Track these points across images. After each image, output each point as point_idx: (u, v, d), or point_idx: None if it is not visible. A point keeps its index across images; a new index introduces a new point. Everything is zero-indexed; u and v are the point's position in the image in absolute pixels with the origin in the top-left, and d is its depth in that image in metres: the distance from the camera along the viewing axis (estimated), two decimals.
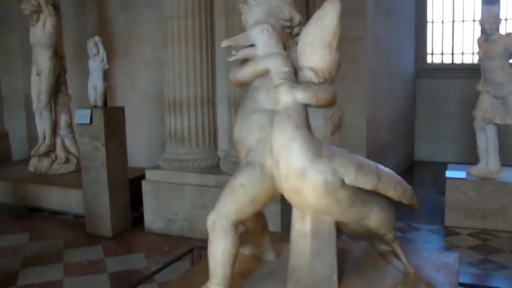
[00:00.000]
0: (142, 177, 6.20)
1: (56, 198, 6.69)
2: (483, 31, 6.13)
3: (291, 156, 2.28)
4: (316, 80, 2.35)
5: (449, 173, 6.26)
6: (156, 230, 5.99)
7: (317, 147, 2.29)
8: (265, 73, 2.47)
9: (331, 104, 2.41)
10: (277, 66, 2.39)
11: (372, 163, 2.41)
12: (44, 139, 7.29)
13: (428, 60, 9.47)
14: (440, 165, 8.78)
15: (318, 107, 2.37)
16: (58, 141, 7.34)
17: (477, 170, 6.18)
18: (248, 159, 2.55)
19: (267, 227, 3.01)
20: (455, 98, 9.00)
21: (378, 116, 7.54)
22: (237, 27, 5.51)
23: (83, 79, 7.50)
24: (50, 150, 7.28)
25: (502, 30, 6.18)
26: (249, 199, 2.48)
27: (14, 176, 7.28)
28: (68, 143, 7.39)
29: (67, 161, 7.29)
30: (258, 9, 2.60)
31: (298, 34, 2.56)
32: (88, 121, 5.81)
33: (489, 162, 6.14)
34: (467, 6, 9.24)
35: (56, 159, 7.26)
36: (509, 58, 6.03)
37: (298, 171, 2.27)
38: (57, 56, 7.20)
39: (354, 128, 6.63)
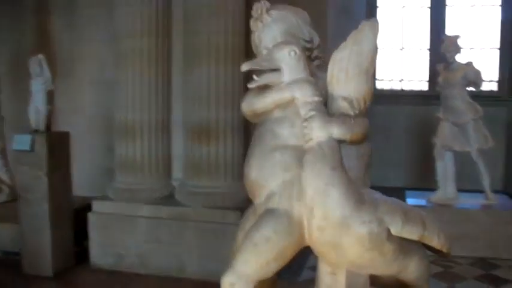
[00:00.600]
0: (86, 207, 5.61)
1: None
2: (444, 59, 6.06)
3: (329, 204, 1.90)
4: (351, 112, 1.96)
5: (410, 201, 6.02)
6: (104, 266, 5.37)
7: (358, 192, 1.88)
8: (290, 103, 2.03)
9: (364, 139, 2.00)
10: (305, 95, 1.98)
11: (414, 208, 2.03)
12: None
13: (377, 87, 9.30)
14: (387, 190, 8.63)
15: (351, 143, 1.95)
16: None
17: (437, 197, 6.06)
18: (269, 205, 2.10)
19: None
20: (403, 125, 8.87)
21: None
22: (197, 47, 5.13)
23: (18, 100, 6.85)
24: None
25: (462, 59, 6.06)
26: (274, 255, 2.07)
27: None
28: (0, 170, 6.63)
29: None
30: (275, 27, 2.19)
31: (316, 58, 2.14)
32: (28, 147, 5.16)
33: (447, 189, 6.04)
34: (415, 33, 9.16)
35: None
36: (467, 86, 5.97)
37: (338, 221, 1.90)
38: None
39: None
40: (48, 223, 5.21)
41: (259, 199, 2.19)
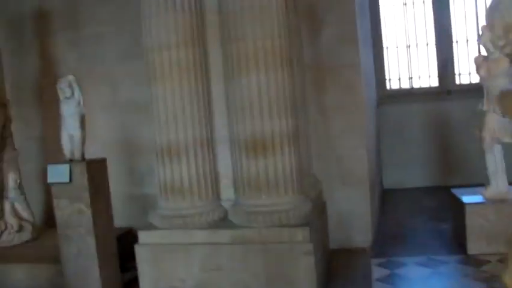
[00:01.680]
0: (121, 238, 5.06)
1: (19, 278, 5.21)
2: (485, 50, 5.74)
3: None
4: None
5: (466, 198, 5.64)
6: None
7: None
8: None
9: None
10: None
11: None
12: None
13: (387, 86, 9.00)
14: (411, 192, 8.32)
15: None
16: (6, 206, 5.89)
17: (489, 192, 5.66)
18: None
19: None
20: (416, 123, 8.56)
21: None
22: (235, 55, 4.66)
23: (25, 129, 6.20)
24: None
25: None
26: None
27: None
28: (19, 207, 5.95)
29: (20, 229, 5.84)
30: None
31: None
32: (67, 179, 4.56)
33: (499, 183, 5.67)
34: (420, 30, 8.89)
35: (5, 228, 5.79)
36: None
37: None
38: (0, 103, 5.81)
39: (355, 159, 5.85)
40: (95, 260, 4.64)
41: None
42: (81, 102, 4.74)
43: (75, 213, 4.62)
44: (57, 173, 4.59)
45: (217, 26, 4.91)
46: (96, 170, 4.73)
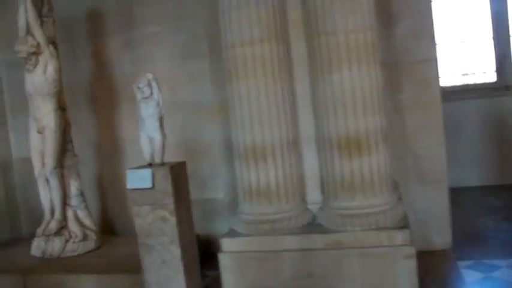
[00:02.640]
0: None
1: None
2: None
3: None
4: None
5: None
6: None
7: None
8: None
9: None
10: None
11: None
12: (52, 213, 5.49)
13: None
14: (471, 190, 7.97)
15: None
16: (69, 213, 5.57)
17: None
18: None
19: None
20: (473, 120, 8.21)
21: None
22: (324, 50, 4.36)
23: (78, 134, 5.91)
24: (62, 227, 5.48)
25: None
26: None
27: (18, 265, 5.36)
28: (81, 214, 5.64)
29: (84, 237, 5.52)
30: None
31: None
32: (149, 184, 4.24)
33: None
34: (475, 25, 8.53)
35: (70, 237, 5.46)
36: None
37: None
38: (60, 107, 5.50)
39: (432, 158, 5.52)
40: (180, 270, 4.32)
41: None
42: (161, 102, 4.41)
43: (157, 221, 4.29)
44: (138, 178, 4.27)
45: (299, 21, 4.62)
46: (178, 174, 4.41)
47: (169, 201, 4.25)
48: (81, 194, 5.64)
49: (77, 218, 5.59)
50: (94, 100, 6.44)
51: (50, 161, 5.36)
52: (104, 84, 6.35)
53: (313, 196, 4.71)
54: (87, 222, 5.63)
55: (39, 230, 5.46)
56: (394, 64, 5.43)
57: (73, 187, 5.58)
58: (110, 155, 6.41)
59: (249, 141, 4.50)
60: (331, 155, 4.43)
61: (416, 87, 5.45)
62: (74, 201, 5.59)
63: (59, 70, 5.41)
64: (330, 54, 4.33)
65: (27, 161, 6.39)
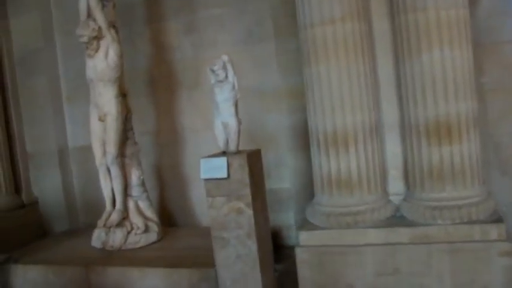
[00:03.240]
0: None
1: (155, 284, 4.60)
2: None
3: None
4: None
5: None
6: None
7: None
8: None
9: None
10: None
11: None
12: (113, 204, 5.26)
13: None
14: None
15: None
16: (131, 204, 5.33)
17: None
18: None
19: None
20: None
21: None
22: (412, 29, 3.98)
23: (137, 122, 5.63)
24: (123, 218, 5.25)
25: None
26: None
27: (80, 256, 5.15)
28: (143, 205, 5.40)
29: (146, 229, 5.27)
30: None
31: None
32: (225, 174, 3.95)
33: None
34: None
35: (131, 228, 5.22)
36: None
37: None
38: (121, 93, 5.24)
39: None
40: (257, 265, 4.03)
41: None
42: (236, 85, 4.10)
43: (233, 213, 4.01)
44: (213, 168, 3.98)
45: None
46: (254, 162, 4.11)
47: (246, 192, 3.95)
48: (143, 183, 5.39)
49: (138, 209, 5.34)
50: (152, 87, 6.17)
51: (111, 149, 5.12)
52: (163, 70, 6.07)
53: (396, 187, 4.35)
54: (149, 213, 5.39)
55: (101, 221, 5.22)
56: (476, 45, 5.00)
57: (134, 176, 5.33)
58: (169, 143, 6.15)
59: (329, 127, 4.16)
60: (418, 142, 4.06)
61: (500, 71, 5.02)
62: (135, 191, 5.35)
63: (121, 55, 5.14)
64: (419, 33, 3.95)
65: (84, 150, 6.25)
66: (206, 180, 4.05)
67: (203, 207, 6.00)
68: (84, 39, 4.94)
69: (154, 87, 6.16)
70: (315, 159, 4.34)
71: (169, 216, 6.13)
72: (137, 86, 6.09)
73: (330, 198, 4.23)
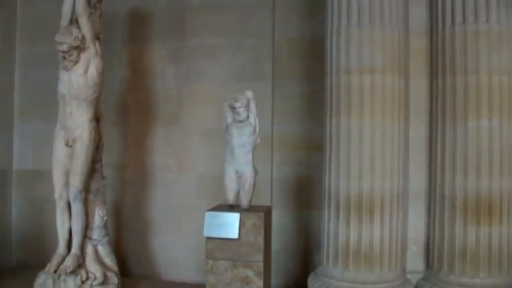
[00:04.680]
0: None
1: None
2: None
3: None
4: None
5: None
6: None
7: None
8: None
9: None
10: None
11: None
12: (68, 246, 4.21)
13: None
14: None
15: None
16: (89, 249, 4.28)
17: None
18: None
19: None
20: None
21: None
22: (459, 92, 3.44)
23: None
24: (79, 264, 4.19)
25: None
26: None
27: None
28: (102, 251, 4.37)
29: (105, 280, 4.24)
30: None
31: None
32: (236, 234, 3.12)
33: None
34: None
35: (87, 278, 4.16)
36: None
37: None
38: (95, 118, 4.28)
39: None
40: None
41: None
42: (257, 129, 3.31)
43: (237, 282, 3.17)
44: (221, 225, 3.16)
45: (422, 52, 3.69)
46: (268, 224, 3.32)
47: (258, 258, 3.16)
48: (105, 225, 4.38)
49: (97, 255, 4.30)
50: (124, 115, 5.23)
51: (76, 182, 4.10)
52: (138, 98, 5.18)
53: (414, 264, 3.71)
54: (108, 260, 4.36)
55: (50, 265, 4.12)
56: None
57: (98, 216, 4.32)
58: (134, 181, 5.19)
59: (353, 190, 3.47)
60: (450, 217, 3.48)
61: None
62: (96, 233, 4.32)
63: (102, 73, 4.21)
64: (467, 98, 3.41)
65: (31, 175, 5.27)
66: (209, 238, 3.19)
67: (166, 257, 5.12)
68: (64, 47, 3.97)
69: (126, 116, 5.22)
70: (329, 225, 3.62)
71: (123, 263, 5.09)
72: (106, 110, 5.10)
73: (345, 272, 3.50)
